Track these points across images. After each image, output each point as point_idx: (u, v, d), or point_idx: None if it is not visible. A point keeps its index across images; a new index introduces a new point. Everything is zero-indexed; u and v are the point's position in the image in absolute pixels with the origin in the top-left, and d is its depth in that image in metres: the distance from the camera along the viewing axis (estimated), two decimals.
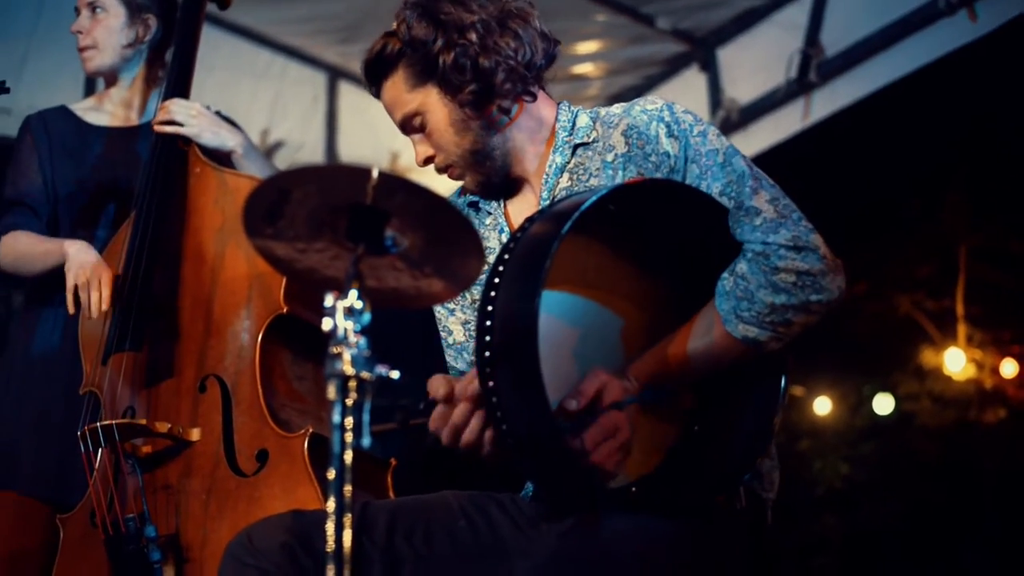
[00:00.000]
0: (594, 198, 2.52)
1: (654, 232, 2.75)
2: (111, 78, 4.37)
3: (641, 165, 2.89)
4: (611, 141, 2.97)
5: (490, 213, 3.18)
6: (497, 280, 2.51)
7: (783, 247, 2.65)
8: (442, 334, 3.22)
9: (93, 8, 4.26)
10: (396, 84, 3.08)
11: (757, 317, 2.63)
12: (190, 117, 4.04)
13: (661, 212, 2.71)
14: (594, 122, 3.07)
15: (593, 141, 3.03)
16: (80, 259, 3.87)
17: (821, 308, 2.65)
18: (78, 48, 4.29)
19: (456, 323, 3.17)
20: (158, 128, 4.02)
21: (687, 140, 2.86)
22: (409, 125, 3.11)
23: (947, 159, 9.65)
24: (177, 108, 4.04)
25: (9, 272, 4.14)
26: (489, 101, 3.01)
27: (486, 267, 2.44)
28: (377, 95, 3.16)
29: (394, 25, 3.05)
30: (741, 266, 2.67)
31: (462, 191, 3.26)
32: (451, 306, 3.18)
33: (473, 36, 2.96)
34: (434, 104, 3.04)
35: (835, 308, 2.69)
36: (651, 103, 2.97)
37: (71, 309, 3.82)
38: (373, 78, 3.13)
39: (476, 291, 3.04)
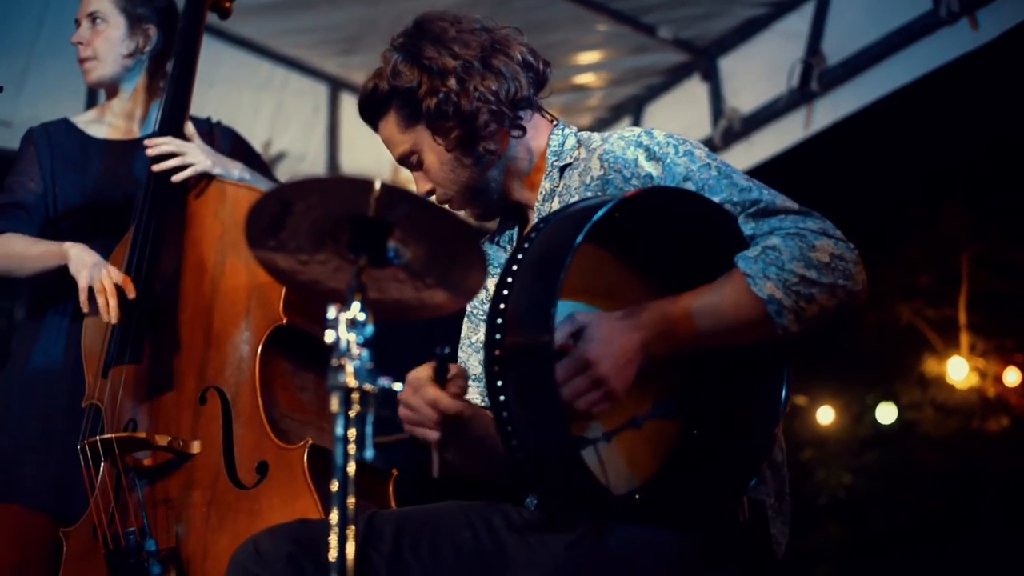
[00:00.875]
0: (605, 208, 2.52)
1: (658, 241, 2.74)
2: (112, 89, 4.37)
3: (621, 188, 2.87)
4: (589, 164, 2.98)
5: (505, 249, 3.22)
6: (510, 279, 2.51)
7: (816, 232, 2.65)
8: (463, 335, 3.24)
9: (93, 19, 4.26)
10: (389, 124, 3.13)
11: (785, 283, 2.59)
12: (188, 158, 4.00)
13: (665, 222, 2.70)
14: (579, 144, 3.09)
15: (575, 161, 3.05)
16: (89, 259, 3.86)
17: (844, 296, 2.62)
18: (79, 59, 4.29)
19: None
20: (175, 179, 3.99)
21: (671, 160, 2.84)
22: (407, 162, 3.16)
23: (949, 168, 9.65)
24: (180, 149, 4.00)
25: (0, 274, 4.11)
26: (475, 142, 3.04)
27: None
28: (375, 130, 3.20)
29: (382, 67, 3.09)
30: (772, 241, 2.64)
31: (491, 236, 3.29)
32: (479, 318, 3.20)
33: (452, 82, 2.99)
34: (426, 144, 3.09)
35: (855, 304, 2.65)
36: (629, 130, 2.98)
37: (85, 308, 3.80)
38: (368, 117, 3.18)
39: None
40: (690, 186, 2.79)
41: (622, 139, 2.94)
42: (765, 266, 2.61)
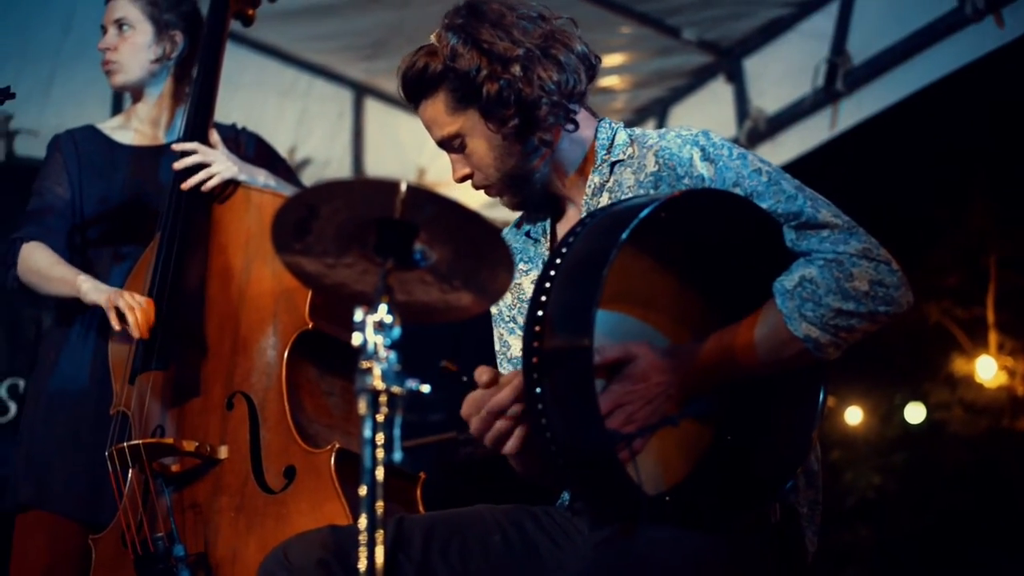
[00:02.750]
0: (652, 206, 2.50)
1: (700, 249, 2.72)
2: (137, 94, 4.39)
3: (673, 186, 2.86)
4: (644, 160, 2.96)
5: (539, 241, 3.18)
6: (548, 285, 2.49)
7: (856, 256, 2.64)
8: (499, 349, 3.21)
9: (120, 25, 4.27)
10: (436, 105, 3.03)
11: (821, 319, 2.59)
12: (216, 168, 4.02)
13: (708, 228, 2.69)
14: (631, 140, 3.05)
15: (628, 158, 3.01)
16: (102, 288, 3.89)
17: (886, 319, 2.64)
18: (102, 63, 4.30)
19: (516, 339, 3.15)
20: (205, 189, 4.00)
21: (723, 164, 2.83)
22: (448, 145, 3.07)
23: (975, 166, 9.60)
24: (207, 158, 4.02)
25: (24, 282, 4.12)
26: (531, 133, 2.98)
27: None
28: (414, 109, 3.12)
29: (436, 43, 3.00)
30: (810, 271, 2.63)
31: (517, 222, 3.25)
32: (510, 323, 3.18)
33: (517, 69, 2.92)
34: (475, 129, 3.00)
35: (897, 320, 2.66)
36: (687, 129, 2.96)
37: (116, 326, 3.81)
38: (411, 95, 3.07)
39: None
40: (739, 191, 2.78)
41: (679, 137, 2.93)
42: (801, 302, 2.61)
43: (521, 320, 3.12)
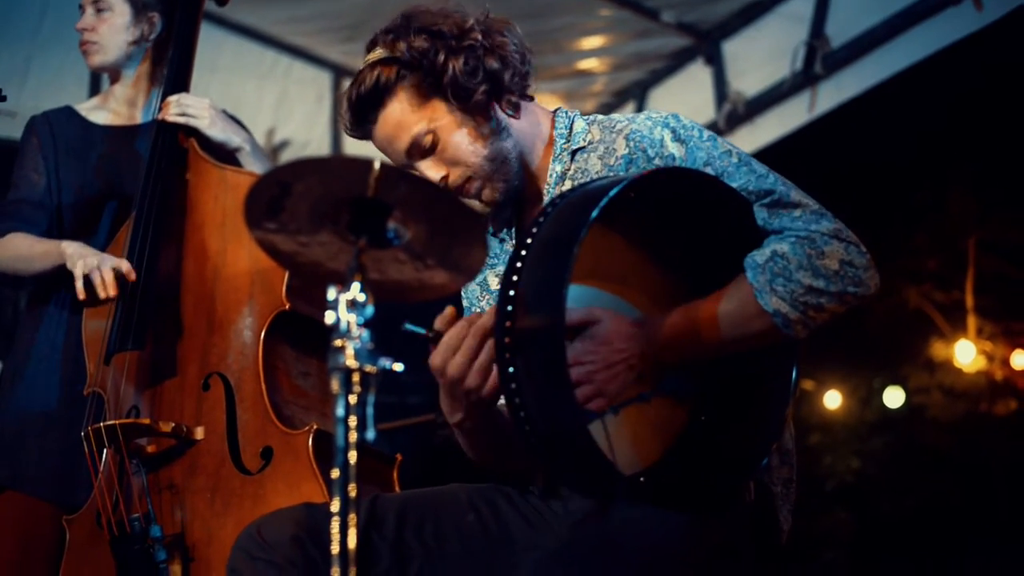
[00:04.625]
0: (620, 185, 2.50)
1: (670, 226, 2.73)
2: (115, 75, 4.37)
3: (644, 167, 2.87)
4: (613, 145, 2.96)
5: (506, 240, 3.17)
6: (519, 264, 2.48)
7: (827, 235, 2.65)
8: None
9: (98, 7, 4.25)
10: (398, 107, 2.99)
11: (791, 295, 2.59)
12: (200, 109, 4.03)
13: (678, 206, 2.69)
14: (590, 126, 3.06)
15: (589, 144, 3.02)
16: (83, 251, 3.87)
17: (854, 301, 2.64)
18: (80, 43, 4.29)
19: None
20: (171, 119, 4.01)
21: (694, 144, 2.84)
22: (417, 148, 3.01)
23: (954, 149, 9.64)
24: (188, 100, 4.03)
25: (8, 273, 4.12)
26: (498, 99, 3.00)
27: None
28: (367, 135, 3.09)
29: (381, 53, 3.00)
30: (781, 246, 2.63)
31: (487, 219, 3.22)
32: (479, 291, 3.17)
33: (477, 36, 2.95)
34: (444, 117, 2.99)
35: (865, 303, 2.67)
36: (655, 112, 2.97)
37: (81, 295, 3.79)
38: (366, 112, 3.04)
39: None
40: (709, 171, 2.79)
41: (649, 119, 2.93)
42: (772, 276, 2.61)
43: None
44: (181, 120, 4.00)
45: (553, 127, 3.10)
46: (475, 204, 3.08)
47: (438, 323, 2.62)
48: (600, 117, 3.09)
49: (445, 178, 3.02)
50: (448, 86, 2.95)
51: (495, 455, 2.84)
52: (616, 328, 2.63)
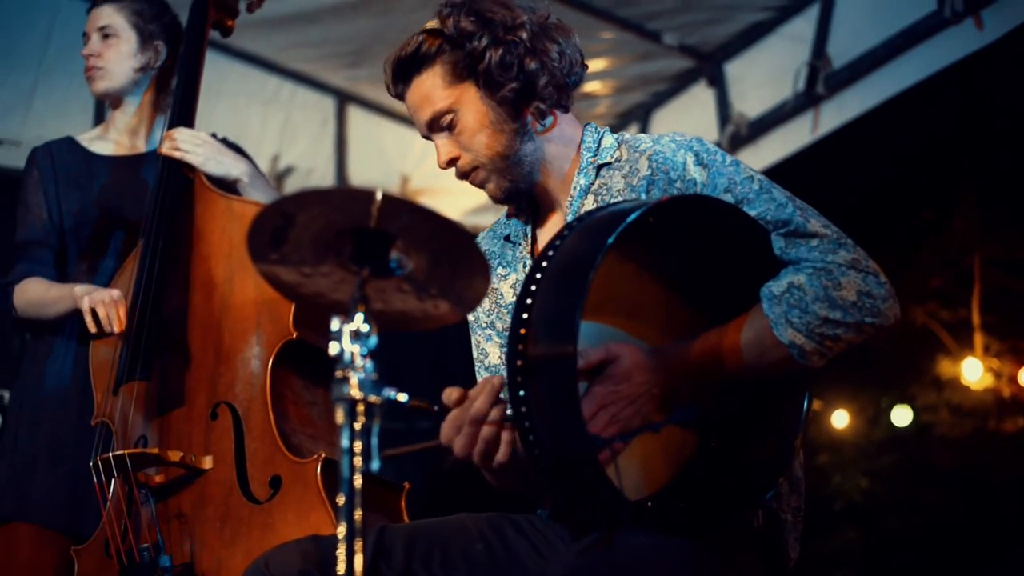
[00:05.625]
0: (640, 211, 2.50)
1: (686, 255, 2.73)
2: (116, 102, 4.39)
3: (665, 190, 2.87)
4: (637, 164, 2.96)
5: (519, 245, 3.16)
6: (534, 288, 2.49)
7: (845, 266, 2.64)
8: (476, 356, 3.21)
9: (105, 33, 4.28)
10: (431, 79, 3.02)
11: (807, 326, 2.59)
12: (195, 146, 4.04)
13: (694, 235, 2.69)
14: (619, 144, 3.06)
15: (616, 161, 3.02)
16: (89, 289, 3.88)
17: (873, 331, 2.63)
18: (85, 69, 4.30)
19: (494, 346, 3.15)
20: (165, 153, 4.03)
21: (717, 169, 2.85)
22: (437, 124, 3.04)
23: (958, 168, 9.63)
24: (181, 136, 4.04)
25: (26, 319, 4.17)
26: (527, 104, 3.00)
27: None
28: (400, 95, 3.10)
29: (434, 23, 3.01)
30: (798, 278, 2.63)
31: (496, 227, 3.24)
32: (487, 329, 3.17)
33: (524, 34, 2.95)
34: (470, 102, 3.00)
35: (883, 334, 2.67)
36: (680, 135, 2.97)
37: (92, 328, 3.80)
38: (403, 74, 3.06)
39: None
40: (729, 197, 2.79)
41: (673, 142, 2.94)
42: (788, 308, 2.61)
43: (500, 326, 3.13)
44: (176, 155, 4.02)
45: (582, 139, 3.11)
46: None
47: (445, 399, 2.63)
48: (628, 136, 3.09)
49: (454, 160, 3.06)
50: (482, 73, 2.97)
51: (512, 482, 2.84)
52: (635, 361, 2.63)
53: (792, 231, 2.72)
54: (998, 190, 9.67)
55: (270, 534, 3.44)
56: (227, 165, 4.09)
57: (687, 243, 2.70)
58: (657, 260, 2.74)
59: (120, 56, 4.29)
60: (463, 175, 3.09)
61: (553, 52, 2.98)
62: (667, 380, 2.65)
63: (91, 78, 4.33)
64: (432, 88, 3.02)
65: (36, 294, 4.10)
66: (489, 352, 3.15)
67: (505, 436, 2.59)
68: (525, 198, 3.14)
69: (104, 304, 3.79)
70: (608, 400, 2.59)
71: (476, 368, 3.19)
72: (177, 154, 4.02)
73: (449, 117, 3.02)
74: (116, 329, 3.78)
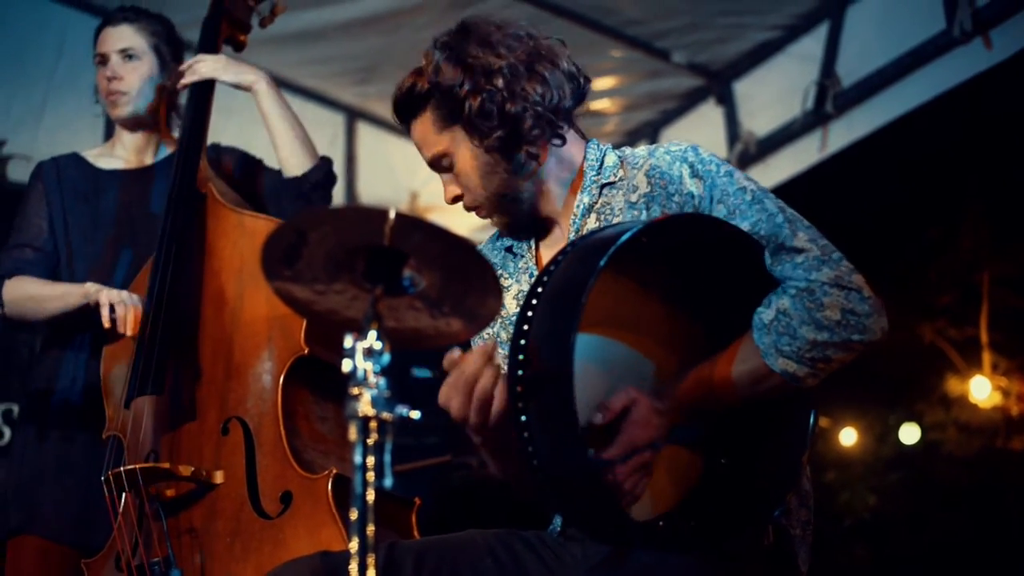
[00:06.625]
0: (631, 232, 2.52)
1: (683, 270, 2.74)
2: (133, 124, 4.39)
3: (664, 205, 2.88)
4: (635, 181, 2.97)
5: (522, 256, 3.17)
6: (531, 313, 2.51)
7: (827, 284, 2.65)
8: None
9: (127, 55, 4.28)
10: (424, 124, 3.06)
11: (797, 353, 2.61)
12: (204, 62, 4.15)
13: (690, 249, 2.70)
14: (621, 161, 3.06)
15: (619, 180, 3.02)
16: (102, 286, 3.89)
17: (862, 348, 2.64)
18: (107, 92, 4.31)
19: (499, 355, 3.15)
20: (182, 84, 4.13)
21: (712, 180, 2.85)
22: (438, 164, 3.09)
23: (966, 186, 9.63)
24: (189, 62, 4.16)
25: (14, 317, 4.15)
26: (516, 147, 2.99)
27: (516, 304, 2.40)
28: (407, 130, 3.14)
29: (423, 64, 3.03)
30: (783, 302, 2.65)
31: (498, 235, 3.26)
32: (493, 339, 3.18)
33: (500, 82, 2.93)
34: (461, 147, 3.02)
35: (875, 349, 2.68)
36: (675, 145, 2.97)
37: (106, 324, 3.80)
38: (401, 117, 3.12)
39: None
40: (722, 208, 2.81)
41: (668, 153, 2.95)
42: (778, 337, 2.63)
43: (504, 336, 3.14)
44: (194, 79, 4.14)
45: (585, 158, 3.12)
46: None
47: (445, 364, 2.64)
48: (627, 152, 3.09)
49: (459, 198, 3.11)
50: (466, 120, 2.98)
51: (515, 467, 2.85)
52: (649, 407, 2.66)
53: (779, 245, 2.73)
54: (1006, 209, 9.66)
55: (280, 550, 3.44)
56: (241, 72, 4.15)
57: (683, 259, 2.72)
58: (655, 276, 2.76)
59: (143, 79, 4.30)
60: (468, 210, 3.15)
61: (535, 92, 2.95)
62: (673, 420, 2.69)
63: (114, 103, 4.33)
64: (425, 133, 3.07)
65: (31, 288, 4.10)
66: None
67: (499, 389, 2.58)
68: (530, 222, 3.15)
69: (124, 303, 3.80)
70: (638, 442, 2.63)
71: None
72: (194, 77, 4.10)
73: (446, 160, 3.07)
74: (129, 332, 3.78)
